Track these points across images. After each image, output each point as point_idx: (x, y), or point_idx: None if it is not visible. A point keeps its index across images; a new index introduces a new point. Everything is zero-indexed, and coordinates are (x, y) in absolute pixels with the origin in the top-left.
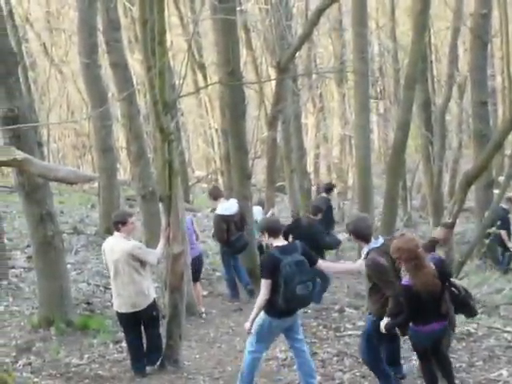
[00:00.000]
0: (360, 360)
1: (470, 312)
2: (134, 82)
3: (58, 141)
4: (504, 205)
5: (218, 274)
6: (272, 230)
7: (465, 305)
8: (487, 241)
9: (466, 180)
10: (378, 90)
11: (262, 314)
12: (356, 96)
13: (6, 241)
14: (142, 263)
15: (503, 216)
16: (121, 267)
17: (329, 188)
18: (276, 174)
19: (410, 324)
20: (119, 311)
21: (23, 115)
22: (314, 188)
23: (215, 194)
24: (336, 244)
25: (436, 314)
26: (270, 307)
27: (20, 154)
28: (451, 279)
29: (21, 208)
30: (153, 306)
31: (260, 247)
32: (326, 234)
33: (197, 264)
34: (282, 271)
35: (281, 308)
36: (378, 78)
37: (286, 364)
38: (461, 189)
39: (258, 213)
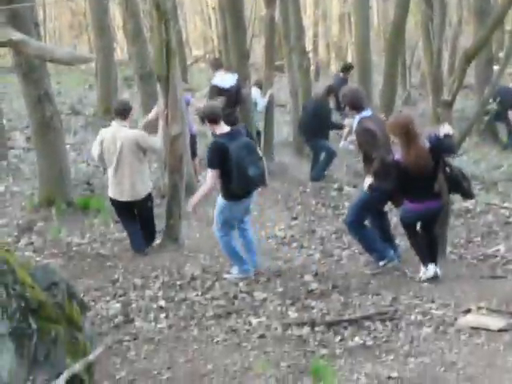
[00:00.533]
0: None
1: (465, 193)
2: None
3: (54, 20)
4: None
5: None
6: (211, 116)
7: (459, 185)
8: (486, 118)
9: (466, 57)
10: None
11: (220, 199)
12: None
13: (4, 121)
14: (144, 153)
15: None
16: (124, 156)
17: (347, 68)
18: (274, 53)
19: (409, 203)
20: (117, 199)
21: None
22: (312, 67)
23: (216, 65)
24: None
25: (428, 192)
26: (227, 193)
27: (16, 35)
28: (446, 159)
29: (19, 89)
30: (149, 195)
31: (258, 132)
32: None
33: (191, 141)
34: (232, 156)
35: (237, 192)
36: None
37: (286, 242)
38: (460, 66)
39: (256, 94)
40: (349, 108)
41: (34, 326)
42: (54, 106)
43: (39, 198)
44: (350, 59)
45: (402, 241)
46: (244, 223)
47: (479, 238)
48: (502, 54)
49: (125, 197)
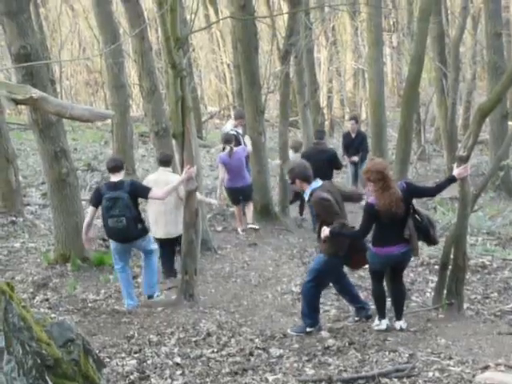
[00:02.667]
0: None
1: (431, 241)
2: (146, 18)
3: (70, 78)
4: None
5: (231, 209)
6: (110, 166)
7: (426, 233)
8: (502, 173)
9: (481, 112)
10: (392, 22)
11: None
12: (369, 29)
13: (20, 178)
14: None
15: None
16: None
17: (353, 118)
18: (289, 109)
19: (370, 245)
20: (156, 237)
21: (35, 52)
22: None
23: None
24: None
25: (398, 237)
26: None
27: (36, 93)
28: (416, 207)
29: (35, 145)
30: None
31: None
32: None
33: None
34: (102, 203)
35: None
36: (391, 11)
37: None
38: (475, 121)
39: (292, 156)
40: (299, 181)
41: (50, 383)
42: (70, 163)
43: (55, 254)
44: (364, 115)
45: (419, 297)
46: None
47: (496, 294)
48: None
49: (158, 235)
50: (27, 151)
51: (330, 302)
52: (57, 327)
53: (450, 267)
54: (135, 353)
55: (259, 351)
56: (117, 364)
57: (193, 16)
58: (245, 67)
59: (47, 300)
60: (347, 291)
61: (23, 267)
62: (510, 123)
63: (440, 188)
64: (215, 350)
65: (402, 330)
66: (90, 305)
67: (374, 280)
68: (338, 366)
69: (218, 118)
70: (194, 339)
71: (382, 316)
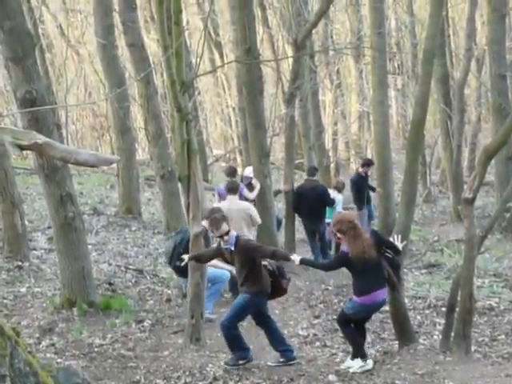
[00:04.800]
0: (383, 336)
1: (399, 276)
2: (151, 62)
3: (76, 122)
4: None
5: None
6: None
7: (398, 268)
8: (508, 215)
9: (486, 154)
10: (396, 65)
11: None
12: (373, 71)
13: (26, 222)
14: (252, 222)
15: None
16: (235, 221)
17: (364, 163)
18: (294, 152)
19: (354, 297)
20: None
21: (41, 97)
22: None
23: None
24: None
25: (378, 281)
26: None
27: (41, 138)
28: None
29: (41, 190)
30: None
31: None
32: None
33: None
34: None
35: None
36: (395, 53)
37: (308, 341)
38: (480, 163)
39: (335, 196)
40: (224, 230)
41: None
42: (76, 207)
43: (61, 298)
44: (370, 157)
45: (426, 339)
46: None
47: (504, 336)
48: None
49: None
50: (33, 195)
51: (337, 346)
52: (63, 373)
53: (457, 309)
54: None
55: None
56: None
57: (198, 60)
58: (250, 110)
59: (53, 345)
60: (273, 334)
61: (29, 312)
62: None
63: (391, 247)
64: None
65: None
66: (96, 349)
67: (347, 324)
68: None
69: (223, 161)
70: (200, 383)
71: (364, 356)
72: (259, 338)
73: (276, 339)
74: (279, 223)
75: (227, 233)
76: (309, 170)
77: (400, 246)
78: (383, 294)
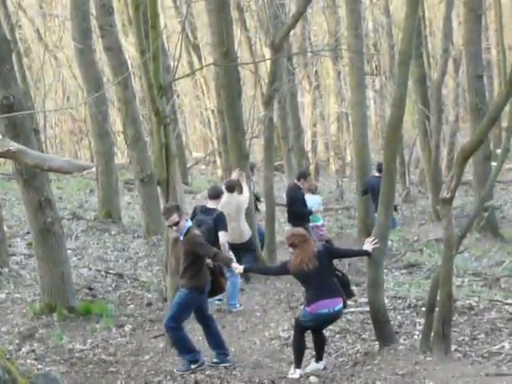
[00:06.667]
0: (363, 337)
1: (349, 293)
2: (129, 66)
3: (54, 127)
4: None
5: None
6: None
7: (347, 286)
8: (486, 214)
9: (463, 154)
10: (374, 66)
11: None
12: (351, 73)
13: (5, 228)
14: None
15: None
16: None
17: (381, 167)
18: (274, 154)
19: (305, 307)
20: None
21: (19, 102)
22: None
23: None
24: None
25: (325, 291)
26: None
27: (14, 146)
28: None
29: (19, 195)
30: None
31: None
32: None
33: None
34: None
35: None
36: (373, 55)
37: (289, 343)
38: (458, 163)
39: (309, 199)
40: (175, 219)
41: None
42: (54, 212)
43: (40, 304)
44: (349, 158)
45: (406, 339)
46: None
47: (483, 335)
48: (499, 151)
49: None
50: (12, 201)
51: None
52: (42, 379)
53: (436, 309)
54: None
55: None
56: None
57: (176, 63)
58: (228, 113)
59: (33, 351)
60: (211, 334)
61: (9, 318)
62: (493, 164)
63: (354, 254)
64: None
65: (325, 368)
66: (76, 355)
67: (298, 332)
68: None
69: (203, 164)
70: None
71: (298, 366)
72: (240, 341)
73: (213, 340)
74: (262, 236)
75: (177, 223)
76: (299, 174)
77: (370, 247)
78: (333, 304)
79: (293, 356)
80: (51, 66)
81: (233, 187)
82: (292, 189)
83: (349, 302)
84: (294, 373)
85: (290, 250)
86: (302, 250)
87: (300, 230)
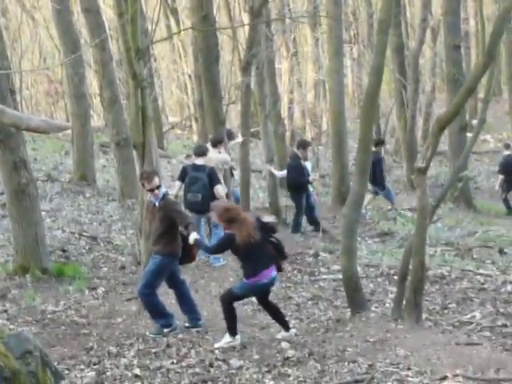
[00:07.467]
0: (335, 304)
1: (283, 256)
2: (107, 28)
3: (30, 88)
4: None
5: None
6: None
7: (282, 251)
8: (460, 184)
9: (439, 124)
10: (352, 34)
11: None
12: (330, 40)
13: None
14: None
15: None
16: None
17: (378, 142)
18: (250, 120)
19: (244, 279)
20: None
21: None
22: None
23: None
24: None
25: (265, 261)
26: None
27: None
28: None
29: None
30: None
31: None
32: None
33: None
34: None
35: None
36: (351, 23)
37: (261, 308)
38: (434, 133)
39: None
40: (156, 184)
41: None
42: (29, 173)
43: (14, 265)
44: (325, 126)
45: (378, 307)
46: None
47: (454, 305)
48: (475, 122)
49: None
50: None
51: (290, 313)
52: (14, 339)
53: (408, 278)
54: (94, 364)
55: (219, 362)
56: (75, 376)
57: (154, 26)
58: (206, 78)
59: (6, 311)
60: (184, 299)
61: None
62: (468, 135)
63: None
64: (175, 362)
65: (296, 335)
66: (49, 316)
67: (229, 303)
68: (297, 377)
69: (179, 129)
70: (153, 350)
71: (235, 333)
72: (213, 305)
73: (186, 305)
74: (237, 201)
75: (158, 187)
76: (297, 142)
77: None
78: (271, 272)
79: (226, 325)
80: (28, 27)
81: (217, 142)
82: (291, 157)
83: (322, 270)
84: (234, 340)
85: (224, 225)
86: (245, 223)
87: (230, 204)
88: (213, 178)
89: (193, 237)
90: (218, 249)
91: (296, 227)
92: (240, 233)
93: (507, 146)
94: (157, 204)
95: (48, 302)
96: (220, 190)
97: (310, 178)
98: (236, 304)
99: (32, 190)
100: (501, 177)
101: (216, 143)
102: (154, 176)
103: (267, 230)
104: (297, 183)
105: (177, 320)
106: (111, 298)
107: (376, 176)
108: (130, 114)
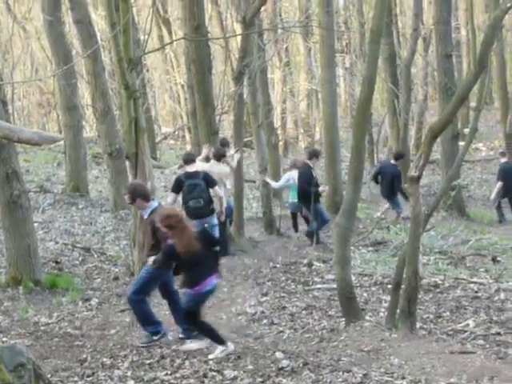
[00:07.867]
0: (329, 313)
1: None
2: (99, 39)
3: (22, 99)
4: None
5: None
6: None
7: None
8: (453, 193)
9: (432, 133)
10: (344, 43)
11: None
12: (322, 50)
13: None
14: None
15: None
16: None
17: (398, 156)
18: (243, 130)
19: (188, 290)
20: None
21: None
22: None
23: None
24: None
25: (206, 270)
26: None
27: None
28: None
29: None
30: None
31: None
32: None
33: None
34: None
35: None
36: (343, 32)
37: (256, 319)
38: (426, 142)
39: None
40: (141, 200)
41: None
42: (21, 185)
43: (6, 277)
44: (318, 135)
45: (372, 316)
46: None
47: (448, 313)
48: (467, 130)
49: None
50: None
51: (285, 323)
52: (7, 351)
53: (402, 287)
54: (88, 376)
55: (213, 373)
56: None
57: (146, 37)
58: (198, 88)
59: None
60: (177, 310)
61: None
62: (460, 143)
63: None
64: (169, 373)
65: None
66: (42, 328)
67: (194, 318)
68: None
69: (172, 139)
70: (147, 362)
71: (223, 342)
72: (207, 316)
73: (179, 315)
74: (231, 212)
75: (131, 203)
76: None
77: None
78: (213, 279)
79: (211, 340)
80: (20, 38)
81: (221, 156)
82: (302, 166)
83: (316, 279)
84: (227, 348)
85: (166, 231)
86: (185, 231)
87: (176, 210)
88: (209, 181)
89: (150, 261)
90: (163, 261)
91: (313, 236)
92: (180, 240)
93: (503, 154)
94: (145, 216)
95: (41, 313)
96: (218, 189)
97: (320, 189)
98: (230, 314)
99: (24, 201)
100: (499, 184)
101: (220, 157)
102: (126, 193)
103: (209, 242)
104: (306, 192)
105: (169, 330)
106: (105, 310)
107: (394, 190)
108: (122, 124)
